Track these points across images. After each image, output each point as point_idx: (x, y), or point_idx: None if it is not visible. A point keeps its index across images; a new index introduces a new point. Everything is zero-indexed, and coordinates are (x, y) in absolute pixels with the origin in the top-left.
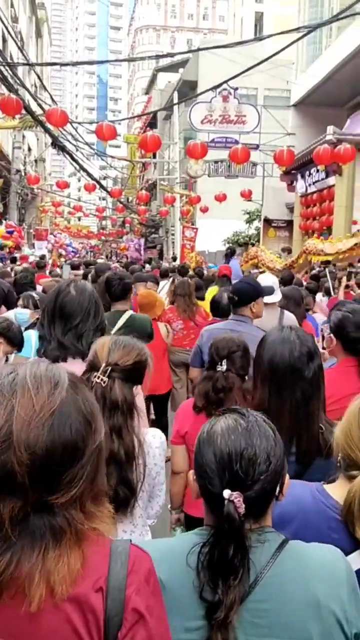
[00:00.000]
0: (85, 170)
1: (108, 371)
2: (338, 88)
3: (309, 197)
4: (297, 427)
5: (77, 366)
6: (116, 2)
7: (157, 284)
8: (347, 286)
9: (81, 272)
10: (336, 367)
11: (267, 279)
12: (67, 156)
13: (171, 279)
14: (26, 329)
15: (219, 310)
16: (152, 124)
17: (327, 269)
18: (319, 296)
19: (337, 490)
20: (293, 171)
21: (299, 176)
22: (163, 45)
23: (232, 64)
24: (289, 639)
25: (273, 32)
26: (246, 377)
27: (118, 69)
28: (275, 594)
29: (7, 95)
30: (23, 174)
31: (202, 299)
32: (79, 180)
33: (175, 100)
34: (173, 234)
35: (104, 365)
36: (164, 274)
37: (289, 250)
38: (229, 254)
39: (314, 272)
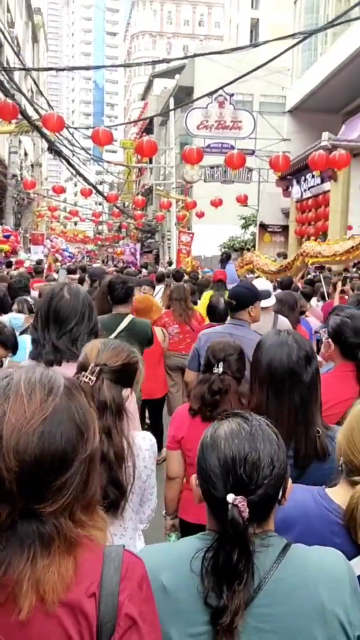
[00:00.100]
0: (81, 175)
1: (96, 371)
2: (333, 94)
3: (305, 202)
4: (295, 431)
5: (71, 370)
6: (112, 8)
7: (153, 288)
8: (342, 291)
9: (77, 276)
10: (333, 371)
11: (262, 284)
12: (64, 161)
13: (165, 284)
14: (21, 333)
15: (215, 314)
16: (148, 130)
17: (321, 274)
18: (314, 301)
19: (339, 495)
20: (288, 177)
21: (294, 182)
22: (159, 51)
23: (228, 70)
24: None
25: (269, 39)
26: (242, 381)
27: (114, 74)
28: (279, 599)
29: (4, 100)
30: (19, 178)
31: (195, 303)
32: (76, 185)
33: (172, 106)
34: (169, 239)
35: (92, 365)
36: (160, 279)
37: (284, 255)
38: (225, 259)
39: (309, 276)
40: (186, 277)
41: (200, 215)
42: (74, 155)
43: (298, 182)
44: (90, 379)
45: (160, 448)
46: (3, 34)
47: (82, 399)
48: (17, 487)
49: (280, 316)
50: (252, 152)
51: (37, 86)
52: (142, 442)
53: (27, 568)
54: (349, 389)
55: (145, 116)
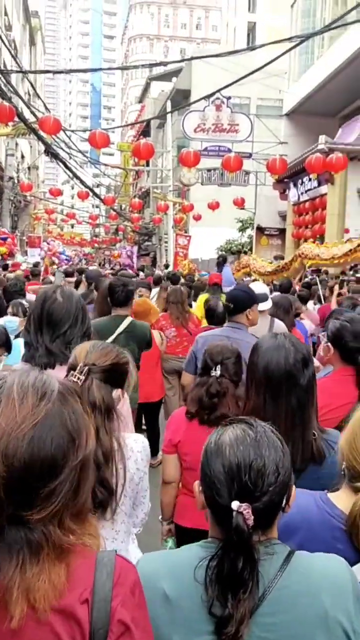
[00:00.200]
0: (78, 178)
1: (84, 371)
2: (330, 97)
3: (302, 205)
4: (292, 434)
5: (64, 373)
6: (110, 11)
7: (150, 290)
8: (339, 294)
9: (74, 279)
10: (332, 375)
11: (259, 287)
12: (60, 164)
13: (160, 287)
14: (16, 337)
15: (214, 317)
16: (145, 132)
17: (317, 278)
18: (311, 304)
19: (341, 500)
20: (286, 180)
21: (291, 184)
22: (156, 54)
23: (225, 73)
24: None
25: (266, 42)
26: (239, 384)
27: (112, 77)
28: (283, 607)
29: (0, 103)
30: (16, 181)
31: (190, 306)
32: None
33: (169, 109)
34: (166, 242)
35: (81, 364)
36: (157, 282)
37: (281, 258)
38: (221, 262)
39: (306, 279)
40: (182, 280)
41: (198, 218)
42: (71, 157)
43: (295, 185)
44: (79, 378)
45: (156, 452)
46: (0, 36)
47: (76, 404)
48: (4, 493)
49: (276, 320)
50: (249, 155)
51: (34, 89)
52: (134, 444)
53: (16, 575)
54: (349, 393)
55: (142, 119)
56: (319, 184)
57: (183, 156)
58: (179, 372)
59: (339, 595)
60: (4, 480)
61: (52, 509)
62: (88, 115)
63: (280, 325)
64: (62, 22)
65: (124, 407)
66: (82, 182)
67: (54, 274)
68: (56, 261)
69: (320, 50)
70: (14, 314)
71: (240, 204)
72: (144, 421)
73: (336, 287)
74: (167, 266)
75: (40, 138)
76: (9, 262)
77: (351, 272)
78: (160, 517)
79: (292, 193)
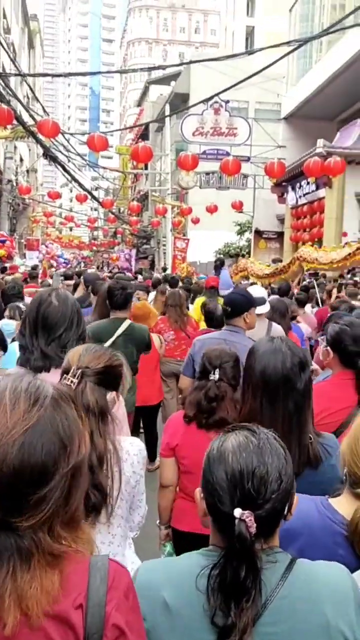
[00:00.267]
0: (77, 181)
1: (78, 374)
2: (328, 101)
3: (300, 208)
4: (289, 438)
5: (59, 376)
6: (109, 15)
7: (148, 293)
8: (337, 297)
9: (73, 282)
10: (331, 379)
11: (256, 291)
12: (59, 167)
13: (157, 290)
14: (12, 340)
15: (213, 320)
16: (144, 136)
17: (315, 281)
18: (308, 307)
19: (343, 506)
20: (284, 183)
21: (289, 188)
22: (155, 58)
23: (223, 77)
24: None
25: (264, 46)
26: (237, 388)
27: (110, 81)
28: (285, 617)
29: None
30: (15, 184)
31: (187, 308)
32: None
33: (167, 113)
34: (164, 245)
35: (74, 368)
36: (156, 285)
37: (279, 262)
38: (219, 266)
39: (304, 283)
40: (180, 283)
41: (196, 221)
42: (69, 161)
43: (293, 188)
44: (72, 381)
45: (155, 457)
46: None
47: (70, 410)
48: None
49: (274, 323)
50: (248, 159)
51: (33, 92)
52: (130, 447)
53: (7, 582)
54: (348, 397)
55: (141, 122)
56: (317, 188)
57: (181, 159)
58: (177, 375)
59: (341, 604)
60: None
61: (42, 516)
62: (87, 118)
63: (277, 329)
64: (61, 26)
65: (119, 411)
66: (80, 185)
67: (52, 277)
68: (54, 264)
69: (319, 55)
70: (11, 317)
71: (238, 207)
72: (141, 424)
73: (334, 290)
74: (164, 269)
75: (38, 141)
76: (7, 265)
77: (349, 276)
78: (157, 521)
79: (290, 196)
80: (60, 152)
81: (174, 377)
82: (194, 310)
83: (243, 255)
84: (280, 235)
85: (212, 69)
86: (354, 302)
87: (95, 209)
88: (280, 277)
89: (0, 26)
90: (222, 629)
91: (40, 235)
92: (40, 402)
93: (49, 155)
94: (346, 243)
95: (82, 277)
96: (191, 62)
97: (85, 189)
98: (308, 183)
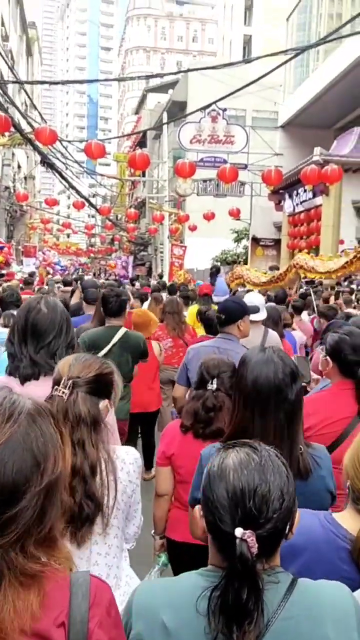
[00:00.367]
0: (74, 188)
1: (69, 385)
2: (325, 110)
3: (297, 216)
4: (280, 449)
5: (49, 384)
6: (107, 24)
7: (142, 302)
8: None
9: (71, 288)
10: (331, 389)
11: (254, 298)
12: (57, 174)
13: (151, 298)
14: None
15: (212, 327)
16: (141, 143)
17: (311, 288)
18: (305, 315)
19: (347, 520)
20: (281, 191)
21: (286, 196)
22: (153, 66)
23: (221, 85)
24: None
25: (261, 55)
26: None
27: (108, 89)
28: (287, 638)
29: None
30: (12, 190)
31: None
32: (69, 198)
33: (165, 120)
34: (162, 252)
35: (65, 378)
36: (154, 292)
37: (276, 269)
38: (214, 273)
39: (300, 290)
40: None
41: (193, 228)
42: (67, 168)
43: (290, 196)
44: (64, 392)
45: (152, 464)
46: None
47: (47, 426)
48: None
49: (270, 330)
50: (245, 167)
51: (31, 99)
52: (126, 456)
53: None
54: (347, 407)
55: (138, 130)
56: (314, 195)
57: (179, 167)
58: (174, 383)
59: (343, 624)
60: None
61: (13, 536)
62: (85, 126)
63: (273, 336)
64: (59, 34)
65: (110, 417)
66: (78, 192)
67: (48, 284)
68: (51, 271)
69: (316, 63)
70: (4, 325)
71: (235, 214)
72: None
73: (331, 298)
74: (161, 276)
75: (36, 148)
76: (4, 272)
77: (346, 283)
78: (152, 531)
79: (287, 204)
80: (58, 159)
81: (171, 384)
82: (188, 317)
83: (239, 263)
84: (277, 242)
85: (210, 77)
86: (349, 310)
87: (93, 216)
88: (277, 285)
89: None
90: None
91: (37, 242)
92: (14, 418)
93: (46, 163)
94: (343, 251)
95: (80, 283)
96: (189, 70)
97: (82, 196)
98: (305, 191)
